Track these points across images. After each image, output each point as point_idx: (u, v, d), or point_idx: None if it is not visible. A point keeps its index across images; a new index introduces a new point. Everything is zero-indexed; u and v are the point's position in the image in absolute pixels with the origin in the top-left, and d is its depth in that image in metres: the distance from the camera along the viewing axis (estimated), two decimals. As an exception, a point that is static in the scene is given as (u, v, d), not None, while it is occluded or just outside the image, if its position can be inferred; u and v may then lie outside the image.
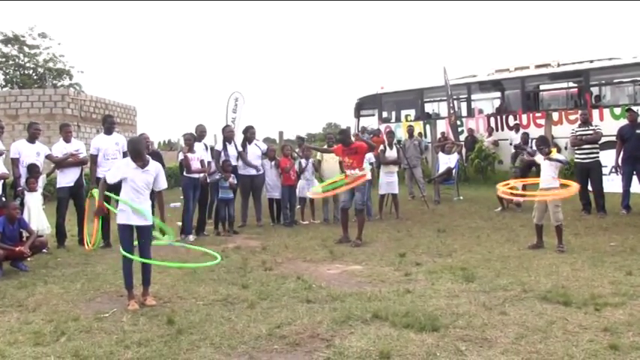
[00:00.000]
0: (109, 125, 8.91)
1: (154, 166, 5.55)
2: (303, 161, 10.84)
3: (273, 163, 10.63)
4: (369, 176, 10.39)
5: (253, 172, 10.35)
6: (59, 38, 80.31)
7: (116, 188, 8.49)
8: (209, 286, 5.94)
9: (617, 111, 14.78)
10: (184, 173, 9.07)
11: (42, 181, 8.42)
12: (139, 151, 5.45)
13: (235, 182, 9.76)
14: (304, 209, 11.14)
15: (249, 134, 10.65)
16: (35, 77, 32.84)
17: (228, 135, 10.42)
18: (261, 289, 5.71)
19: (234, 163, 10.09)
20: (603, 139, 10.57)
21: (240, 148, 10.26)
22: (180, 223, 9.44)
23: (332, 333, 4.37)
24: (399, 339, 4.17)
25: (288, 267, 6.88)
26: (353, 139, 9.29)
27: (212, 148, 10.08)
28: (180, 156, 9.35)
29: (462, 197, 13.50)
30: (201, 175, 9.14)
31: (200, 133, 9.53)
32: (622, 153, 10.20)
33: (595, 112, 15.18)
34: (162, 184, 5.67)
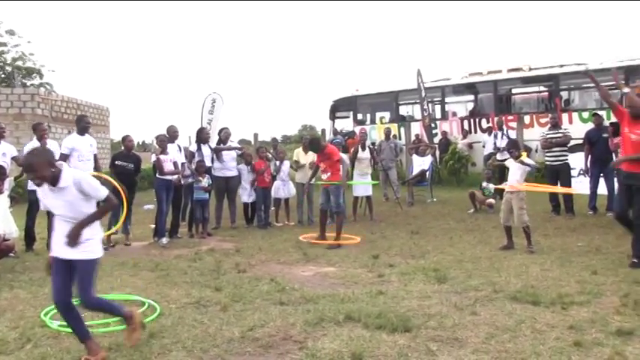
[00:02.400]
0: (84, 125, 8.67)
1: (70, 178, 3.85)
2: (278, 162, 10.85)
3: (249, 167, 10.59)
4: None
5: (228, 173, 10.33)
6: (29, 36, 78.65)
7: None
8: (182, 288, 5.90)
9: (586, 115, 15.07)
10: (157, 175, 9.00)
11: (9, 183, 8.24)
12: (28, 165, 3.80)
13: (207, 185, 9.71)
14: (279, 211, 11.13)
15: (223, 135, 10.66)
16: (3, 76, 32.21)
17: (205, 137, 10.41)
18: (234, 292, 5.68)
19: (208, 164, 10.07)
20: (572, 142, 10.79)
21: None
22: (153, 226, 9.36)
23: (305, 335, 4.38)
24: (371, 340, 4.19)
25: (261, 269, 6.86)
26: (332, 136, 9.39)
27: (186, 149, 10.03)
28: (153, 157, 9.27)
29: (435, 199, 13.62)
30: (175, 176, 9.08)
31: (172, 134, 9.45)
32: (589, 156, 10.42)
33: (564, 116, 15.47)
34: (95, 192, 3.91)
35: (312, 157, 9.87)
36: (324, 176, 8.63)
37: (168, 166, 8.92)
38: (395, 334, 4.31)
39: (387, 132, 14.06)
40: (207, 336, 4.40)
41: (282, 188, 10.85)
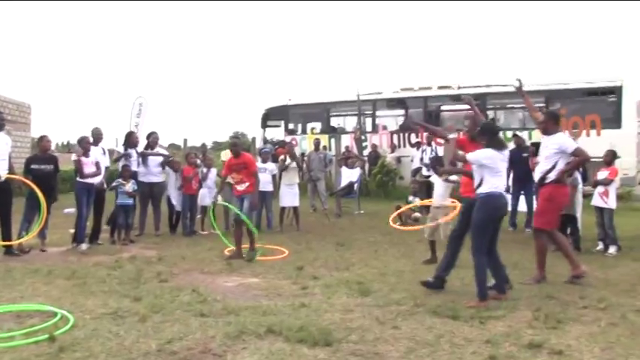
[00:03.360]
0: None
1: None
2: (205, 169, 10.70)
3: (177, 174, 10.36)
4: (270, 188, 10.48)
5: (153, 179, 10.13)
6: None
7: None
8: (98, 298, 5.69)
9: (510, 134, 15.64)
10: (78, 178, 8.66)
11: None
12: None
13: (132, 190, 9.45)
14: (204, 219, 10.95)
15: (151, 140, 10.44)
16: None
17: (134, 141, 10.18)
18: (154, 302, 5.52)
19: (134, 168, 9.82)
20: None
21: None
22: (72, 231, 8.99)
23: (224, 348, 4.29)
24: (291, 354, 4.16)
25: (184, 279, 6.71)
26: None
27: (112, 151, 9.76)
28: (74, 157, 8.90)
29: (362, 211, 13.77)
30: (97, 180, 8.77)
31: (96, 137, 9.15)
32: (512, 174, 10.81)
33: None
34: None
35: None
36: (241, 187, 8.39)
37: (88, 169, 8.60)
38: (316, 348, 4.29)
39: (317, 143, 14.13)
40: (123, 349, 4.24)
41: (209, 196, 10.70)
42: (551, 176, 6.64)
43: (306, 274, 6.97)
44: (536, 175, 6.92)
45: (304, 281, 6.54)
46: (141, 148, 10.47)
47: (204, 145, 13.85)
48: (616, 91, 15.43)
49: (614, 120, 15.32)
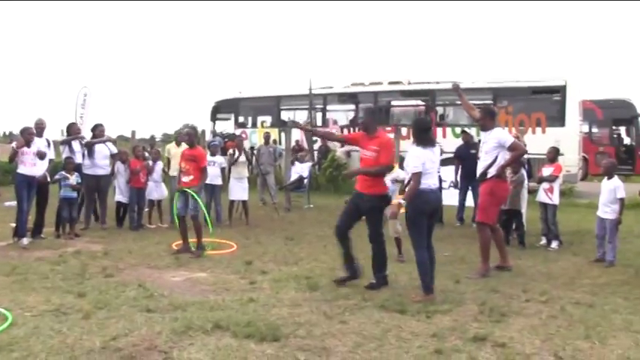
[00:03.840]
0: None
1: None
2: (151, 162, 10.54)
3: (125, 165, 10.15)
4: (219, 181, 10.39)
5: (100, 171, 9.89)
6: None
7: None
8: (40, 294, 5.51)
9: (458, 130, 15.95)
10: (18, 170, 8.34)
11: None
12: None
13: (76, 183, 9.18)
14: (152, 212, 10.75)
15: (98, 132, 10.18)
16: None
17: (76, 132, 9.89)
18: (98, 298, 5.40)
19: (79, 160, 9.55)
20: (443, 156, 11.33)
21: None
22: (13, 225, 8.68)
23: (171, 344, 4.24)
24: (238, 350, 4.14)
25: (130, 273, 6.58)
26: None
27: (56, 142, 9.46)
28: (14, 145, 8.58)
29: (312, 205, 13.78)
30: (39, 172, 8.48)
31: (38, 127, 8.84)
32: (460, 170, 11.02)
33: (439, 130, 16.28)
34: None
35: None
36: (186, 179, 8.14)
37: (27, 159, 8.26)
38: (263, 343, 4.28)
39: (267, 136, 14.07)
40: (65, 347, 4.13)
41: (156, 189, 10.53)
42: (492, 171, 6.82)
43: (254, 268, 6.94)
44: (478, 171, 7.08)
45: (252, 276, 6.50)
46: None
47: (152, 138, 13.62)
48: (560, 91, 15.93)
49: (558, 118, 15.82)
